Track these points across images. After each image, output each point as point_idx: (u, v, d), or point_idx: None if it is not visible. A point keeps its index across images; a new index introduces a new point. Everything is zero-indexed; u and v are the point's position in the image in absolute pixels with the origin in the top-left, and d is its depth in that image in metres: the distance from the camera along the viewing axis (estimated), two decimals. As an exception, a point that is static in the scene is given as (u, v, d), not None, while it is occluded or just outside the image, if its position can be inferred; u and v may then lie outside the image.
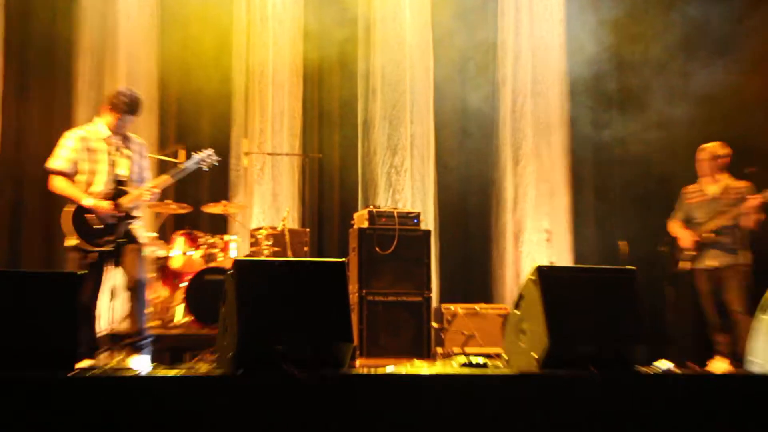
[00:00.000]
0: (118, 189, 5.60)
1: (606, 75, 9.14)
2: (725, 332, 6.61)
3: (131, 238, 5.65)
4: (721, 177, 7.00)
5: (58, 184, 5.61)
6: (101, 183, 5.61)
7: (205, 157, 6.06)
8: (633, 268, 4.20)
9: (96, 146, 5.64)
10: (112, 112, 5.66)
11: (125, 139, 5.76)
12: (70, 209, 5.57)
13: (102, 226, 5.53)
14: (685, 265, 6.96)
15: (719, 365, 6.37)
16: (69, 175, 5.60)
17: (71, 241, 5.55)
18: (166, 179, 5.82)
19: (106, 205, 5.53)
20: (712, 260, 6.83)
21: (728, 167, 6.98)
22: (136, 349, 5.53)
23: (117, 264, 5.52)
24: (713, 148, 6.96)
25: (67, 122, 7.80)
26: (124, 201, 5.57)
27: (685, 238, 6.97)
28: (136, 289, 5.53)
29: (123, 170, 5.65)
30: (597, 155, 9.39)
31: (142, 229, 5.84)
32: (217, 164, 6.17)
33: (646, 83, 9.12)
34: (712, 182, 7.00)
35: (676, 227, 7.12)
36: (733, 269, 6.71)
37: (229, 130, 8.64)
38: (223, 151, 8.47)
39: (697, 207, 7.03)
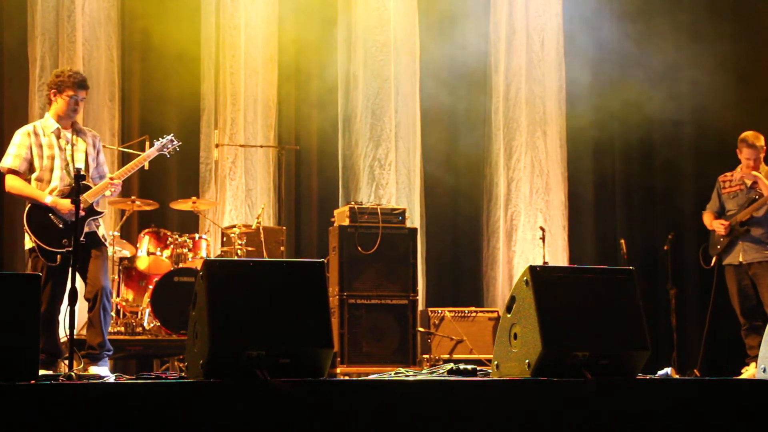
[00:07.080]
0: (77, 184, 5.56)
1: (609, 59, 9.18)
2: (755, 334, 6.59)
3: (95, 240, 5.72)
4: (761, 167, 6.96)
5: (13, 184, 5.66)
6: (58, 178, 5.67)
7: (167, 142, 6.08)
8: (631, 268, 4.29)
9: (48, 141, 5.69)
10: (60, 95, 5.69)
11: (77, 132, 5.81)
12: (26, 209, 5.64)
13: (62, 226, 5.58)
14: (714, 252, 6.96)
15: (751, 371, 6.36)
16: (22, 173, 5.66)
17: (29, 243, 5.62)
18: (127, 170, 5.87)
19: (66, 203, 5.55)
20: (741, 255, 6.86)
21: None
22: (95, 359, 5.61)
23: (78, 268, 5.52)
24: (756, 135, 6.94)
25: (23, 112, 7.85)
26: (85, 196, 5.55)
27: (717, 226, 6.97)
28: (99, 297, 5.57)
29: (80, 164, 5.69)
30: (596, 147, 9.47)
31: (103, 228, 5.89)
32: (178, 149, 6.19)
33: (654, 68, 9.18)
34: (748, 172, 6.97)
35: (707, 219, 7.14)
36: (764, 265, 6.77)
37: (198, 119, 8.67)
38: (192, 143, 8.51)
39: (731, 197, 7.06)
